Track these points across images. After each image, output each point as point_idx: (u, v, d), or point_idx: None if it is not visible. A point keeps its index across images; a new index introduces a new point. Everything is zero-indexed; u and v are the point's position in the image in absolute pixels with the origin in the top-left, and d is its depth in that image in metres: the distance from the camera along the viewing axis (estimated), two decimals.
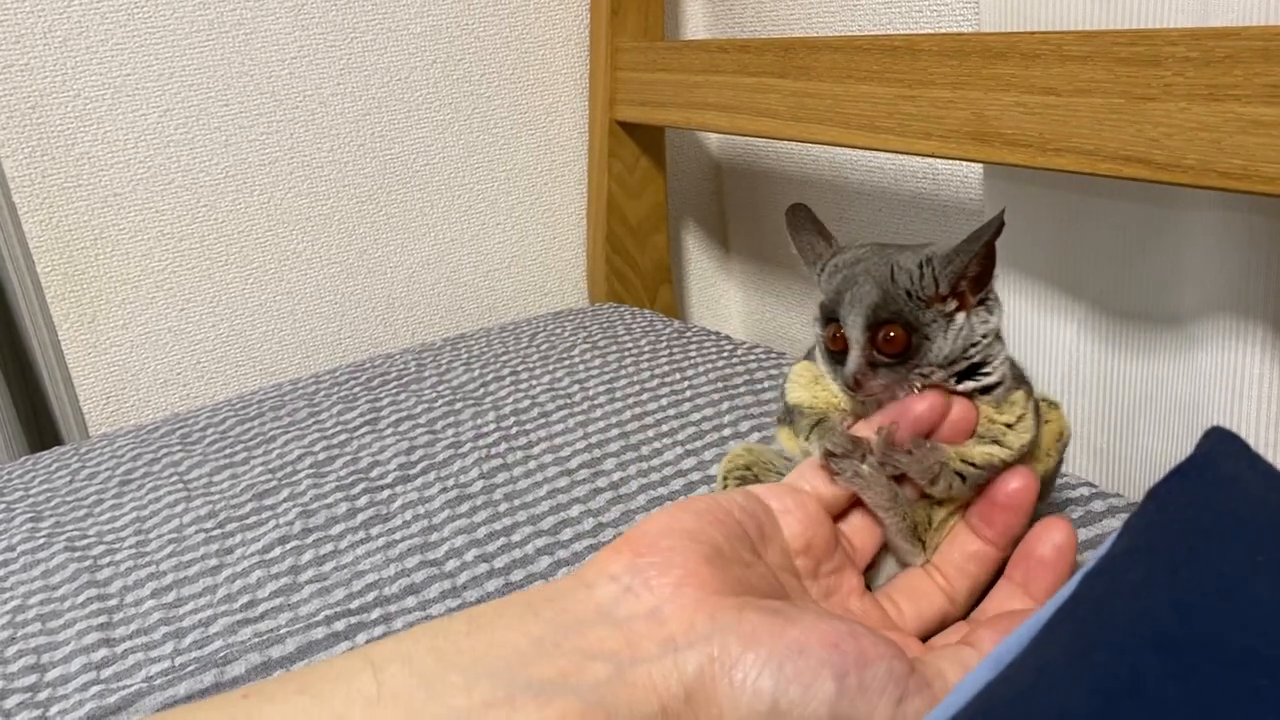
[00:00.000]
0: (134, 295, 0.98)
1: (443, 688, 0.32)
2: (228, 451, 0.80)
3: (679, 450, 0.72)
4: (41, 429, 0.99)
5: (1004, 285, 0.76)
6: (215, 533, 0.68)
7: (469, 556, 0.62)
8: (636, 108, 1.04)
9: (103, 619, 0.60)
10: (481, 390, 0.86)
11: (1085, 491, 0.61)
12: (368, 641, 0.54)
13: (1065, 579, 0.39)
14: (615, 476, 0.69)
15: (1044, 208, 0.72)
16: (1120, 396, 0.71)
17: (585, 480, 0.69)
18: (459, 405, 0.83)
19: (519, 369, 0.89)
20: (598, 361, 0.89)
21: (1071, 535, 0.40)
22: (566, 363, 0.90)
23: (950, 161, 0.91)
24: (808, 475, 0.42)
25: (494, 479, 0.71)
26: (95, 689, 0.53)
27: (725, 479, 0.48)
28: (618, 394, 0.82)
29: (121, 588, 0.63)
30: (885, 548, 0.43)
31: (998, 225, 0.40)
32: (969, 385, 0.41)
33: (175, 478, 0.77)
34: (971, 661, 0.37)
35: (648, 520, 0.38)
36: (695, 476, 0.68)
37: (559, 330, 0.99)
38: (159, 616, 0.60)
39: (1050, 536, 0.40)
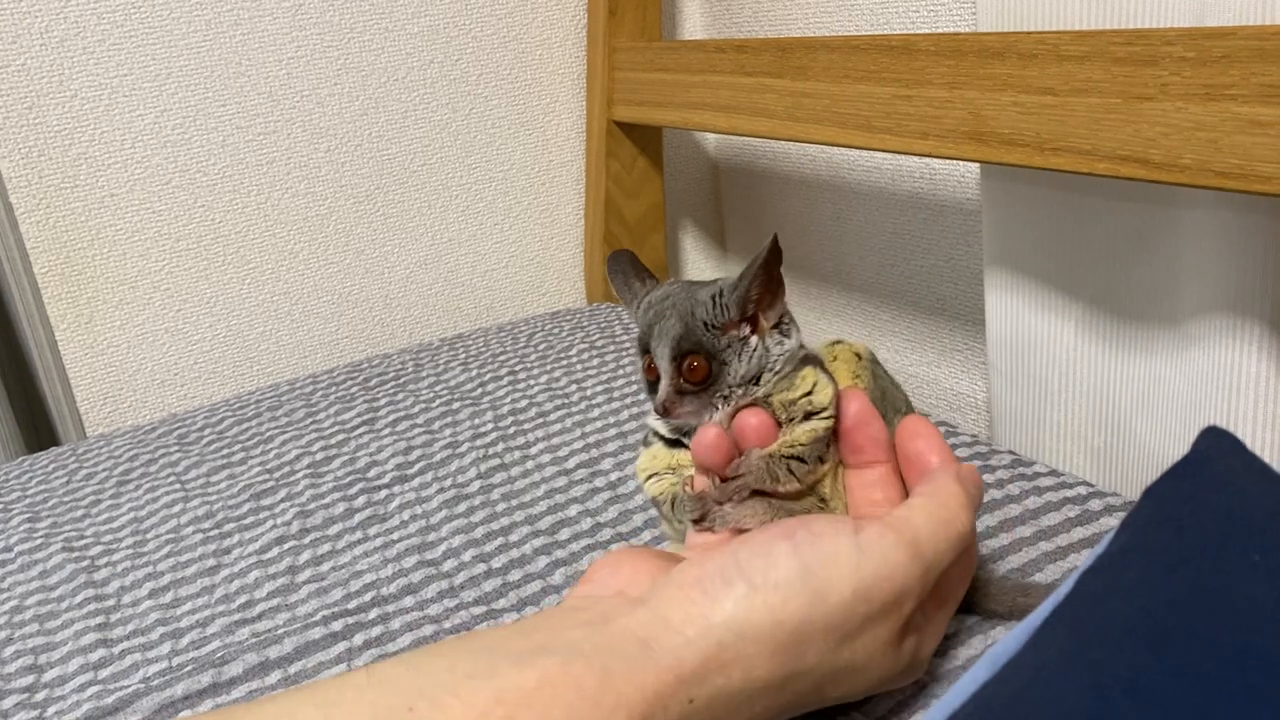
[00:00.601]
0: (131, 296, 0.98)
1: (428, 669, 0.35)
2: (225, 452, 0.80)
3: None
4: (39, 430, 0.99)
5: (1001, 285, 0.76)
6: (213, 533, 0.68)
7: (466, 557, 0.62)
8: (634, 108, 1.04)
9: (100, 619, 0.60)
10: (479, 390, 0.86)
11: (1082, 490, 0.61)
12: (365, 641, 0.54)
13: (943, 450, 0.43)
14: (613, 476, 0.69)
15: (1041, 207, 0.72)
16: (1117, 395, 0.71)
17: (583, 480, 0.69)
18: (456, 405, 0.83)
19: (516, 369, 0.89)
20: (595, 361, 0.89)
21: (925, 421, 0.44)
22: (564, 363, 0.90)
23: (947, 161, 0.91)
24: (697, 538, 0.45)
25: (491, 479, 0.71)
26: (93, 689, 0.53)
27: None
28: (615, 394, 0.82)
29: (119, 588, 0.63)
30: None
31: (771, 250, 0.43)
32: (755, 392, 0.44)
33: (173, 478, 0.77)
34: (914, 500, 0.40)
35: (592, 564, 0.42)
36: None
37: (557, 330, 0.99)
38: (156, 617, 0.60)
39: (915, 432, 0.44)
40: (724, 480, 0.43)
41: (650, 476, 0.48)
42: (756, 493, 0.43)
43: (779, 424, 0.44)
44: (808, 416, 0.43)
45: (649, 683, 0.34)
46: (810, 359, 0.45)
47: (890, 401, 0.48)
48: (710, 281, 0.46)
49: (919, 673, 0.42)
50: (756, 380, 0.44)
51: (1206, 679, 0.26)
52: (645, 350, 0.45)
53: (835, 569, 0.36)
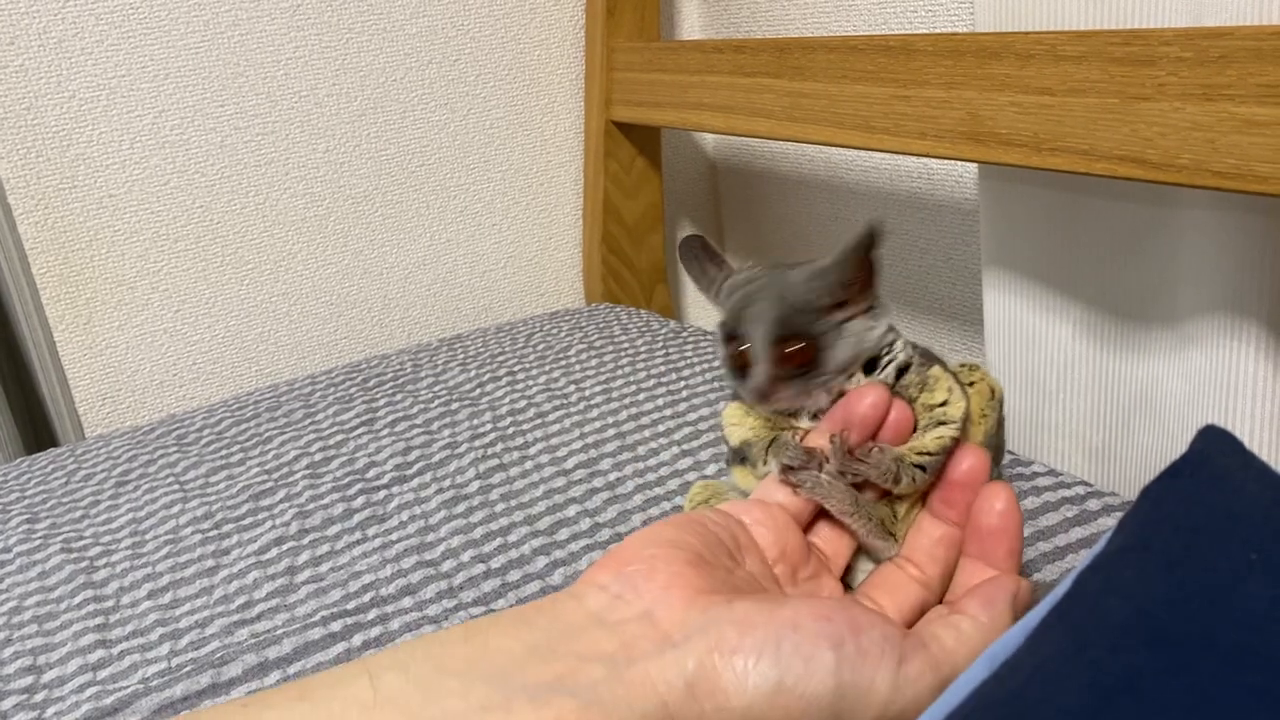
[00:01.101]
0: (130, 296, 0.98)
1: (439, 692, 0.32)
2: (224, 453, 0.80)
3: (675, 450, 0.72)
4: (37, 430, 0.99)
5: (999, 285, 0.76)
6: (211, 534, 0.68)
7: (465, 557, 0.62)
8: (632, 108, 1.04)
9: (99, 620, 0.60)
10: (478, 391, 0.86)
11: (1080, 490, 0.61)
12: (364, 642, 0.54)
13: (1017, 540, 0.41)
14: (612, 477, 0.69)
15: (1039, 207, 0.72)
16: (1115, 395, 0.71)
17: (582, 480, 0.69)
18: (455, 406, 0.83)
19: (515, 369, 0.89)
20: (594, 362, 0.89)
21: (1011, 497, 0.42)
22: (563, 363, 0.90)
23: (945, 161, 0.91)
24: (771, 490, 0.43)
25: (490, 479, 0.71)
26: (91, 690, 0.53)
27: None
28: (614, 394, 0.82)
29: (118, 589, 0.63)
30: (858, 550, 0.44)
31: (871, 232, 0.42)
32: (882, 376, 0.43)
33: (171, 479, 0.77)
34: (964, 627, 0.38)
35: (629, 538, 0.39)
36: (691, 477, 0.68)
37: (555, 330, 0.99)
38: (155, 618, 0.60)
39: (993, 505, 0.41)
40: (850, 454, 0.41)
41: (740, 423, 0.46)
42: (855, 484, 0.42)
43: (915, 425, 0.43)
44: (939, 424, 0.42)
45: None
46: (935, 359, 0.44)
47: (997, 453, 0.46)
48: (797, 264, 0.44)
49: None
50: (852, 366, 0.43)
51: (1204, 678, 0.26)
52: (731, 336, 0.44)
53: (866, 699, 0.34)
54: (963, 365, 0.47)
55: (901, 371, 0.44)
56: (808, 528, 0.43)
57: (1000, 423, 0.47)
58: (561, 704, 0.32)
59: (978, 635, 0.38)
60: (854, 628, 0.35)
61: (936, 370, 0.44)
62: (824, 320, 0.43)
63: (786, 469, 0.42)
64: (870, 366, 0.44)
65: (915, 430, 0.43)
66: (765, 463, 0.44)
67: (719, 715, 0.33)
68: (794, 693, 0.33)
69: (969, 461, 0.42)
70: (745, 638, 0.34)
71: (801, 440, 0.43)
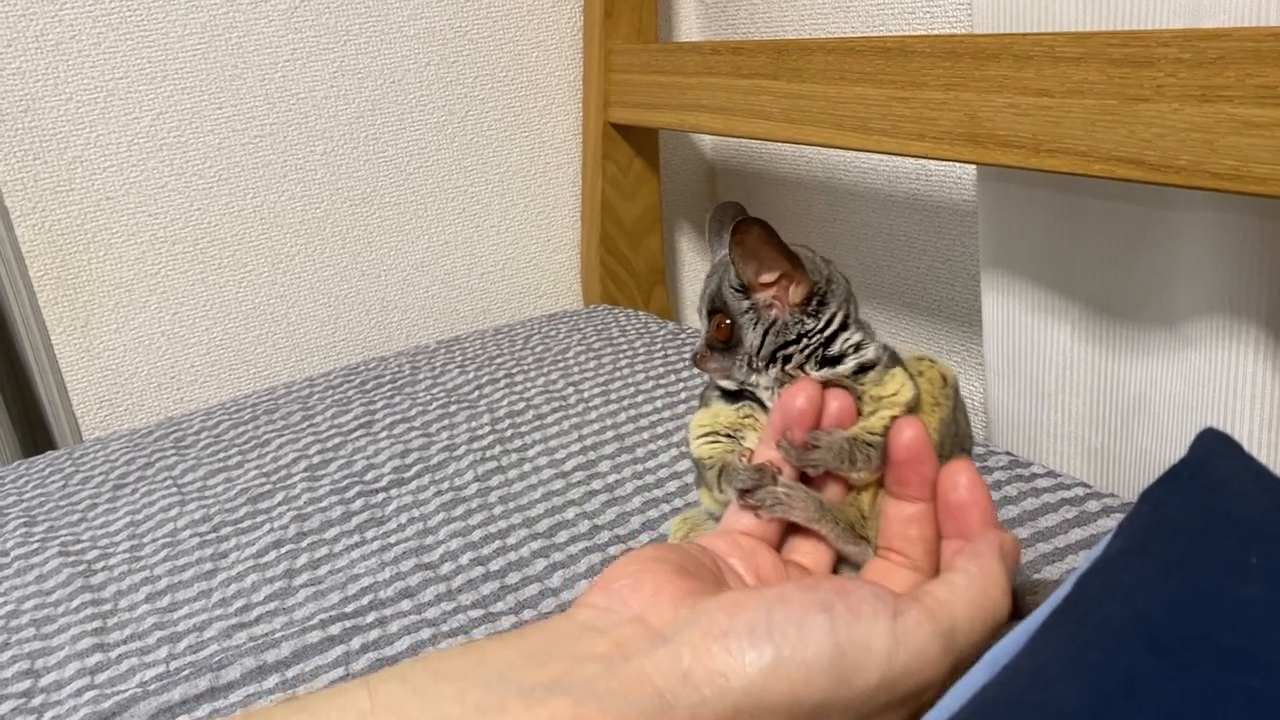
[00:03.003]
0: (127, 299, 0.98)
1: (435, 697, 0.33)
2: (222, 455, 0.80)
3: (674, 452, 0.72)
4: (35, 433, 0.99)
5: (998, 286, 0.76)
6: (209, 537, 0.68)
7: (464, 560, 0.62)
8: (630, 110, 1.04)
9: (97, 624, 0.60)
10: (476, 393, 0.86)
11: (1080, 492, 0.61)
12: (362, 645, 0.54)
13: (988, 507, 0.42)
14: (610, 479, 0.69)
15: (1037, 209, 0.72)
16: (1114, 397, 0.71)
17: (580, 482, 0.69)
18: (453, 408, 0.83)
19: (513, 371, 0.89)
20: (592, 364, 0.89)
21: (973, 470, 0.42)
22: (561, 365, 0.90)
23: (943, 163, 0.91)
24: (734, 519, 0.43)
25: (489, 482, 0.71)
26: (89, 694, 0.53)
27: None
28: (612, 396, 0.82)
29: (115, 592, 0.63)
30: (838, 561, 0.44)
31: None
32: (842, 369, 0.44)
33: (169, 482, 0.77)
34: (955, 579, 0.38)
35: (613, 563, 0.40)
36: (689, 478, 0.68)
37: (553, 332, 0.99)
38: (153, 621, 0.59)
39: (956, 480, 0.42)
40: (802, 446, 0.42)
41: (704, 435, 0.46)
42: (809, 482, 0.43)
43: (859, 414, 0.43)
44: (883, 408, 0.43)
45: None
46: (897, 359, 0.45)
47: (959, 440, 0.47)
48: None
49: None
50: (774, 355, 0.44)
51: (1203, 681, 0.26)
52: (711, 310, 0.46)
53: (867, 656, 0.34)
54: (917, 358, 0.47)
55: (866, 369, 0.44)
56: (783, 547, 0.44)
57: (960, 408, 0.48)
58: (557, 703, 0.32)
59: (969, 585, 0.38)
60: (842, 591, 0.35)
61: (895, 371, 0.44)
62: (748, 302, 0.44)
63: (743, 493, 0.42)
64: (836, 362, 0.44)
65: (860, 417, 0.43)
66: (721, 490, 0.45)
67: (720, 699, 0.33)
68: (793, 661, 0.33)
69: (908, 433, 0.42)
70: (735, 619, 0.34)
71: (750, 460, 0.44)
